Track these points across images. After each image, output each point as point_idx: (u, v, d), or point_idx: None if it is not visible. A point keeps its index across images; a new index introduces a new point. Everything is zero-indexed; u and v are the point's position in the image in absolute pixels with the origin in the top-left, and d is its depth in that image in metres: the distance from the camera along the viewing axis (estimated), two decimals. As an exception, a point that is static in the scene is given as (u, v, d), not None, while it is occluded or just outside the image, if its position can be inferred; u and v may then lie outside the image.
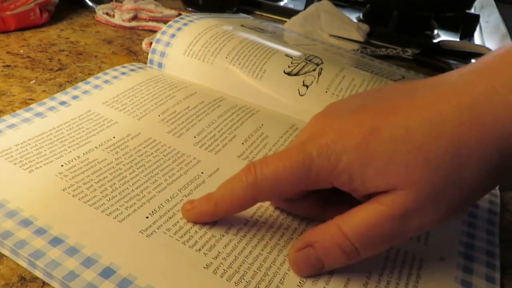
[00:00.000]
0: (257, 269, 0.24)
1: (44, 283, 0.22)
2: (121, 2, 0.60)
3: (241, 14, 0.62)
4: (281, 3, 0.74)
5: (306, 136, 0.24)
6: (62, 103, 0.36)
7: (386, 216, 0.21)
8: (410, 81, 0.24)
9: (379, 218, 0.21)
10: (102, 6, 0.59)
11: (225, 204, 0.25)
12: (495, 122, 0.20)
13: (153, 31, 0.57)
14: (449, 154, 0.21)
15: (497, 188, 0.34)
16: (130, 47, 0.51)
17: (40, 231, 0.24)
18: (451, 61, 0.57)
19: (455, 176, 0.21)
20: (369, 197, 0.22)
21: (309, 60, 0.42)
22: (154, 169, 0.30)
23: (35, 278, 0.22)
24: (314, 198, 0.27)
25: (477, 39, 0.70)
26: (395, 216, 0.21)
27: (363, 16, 0.71)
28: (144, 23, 0.57)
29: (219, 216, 0.26)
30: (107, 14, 0.59)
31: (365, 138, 0.22)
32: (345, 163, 0.22)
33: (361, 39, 0.60)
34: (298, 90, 0.39)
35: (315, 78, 0.40)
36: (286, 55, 0.42)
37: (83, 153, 0.30)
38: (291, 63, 0.41)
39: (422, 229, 0.22)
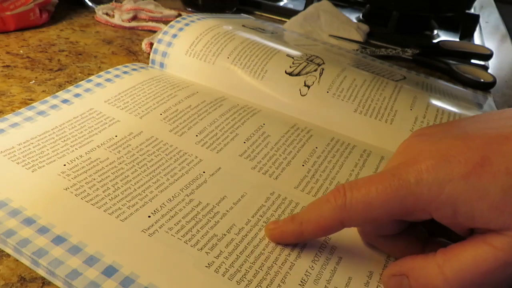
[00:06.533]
0: (259, 268, 0.24)
1: (43, 283, 0.22)
2: (121, 2, 0.60)
3: (242, 15, 0.62)
4: (281, 3, 0.74)
5: (400, 161, 0.22)
6: (65, 101, 0.36)
7: (500, 262, 0.19)
8: (505, 110, 0.22)
9: (491, 264, 0.19)
10: (101, 6, 0.59)
11: (311, 225, 0.23)
12: None
13: (153, 31, 0.57)
14: None
15: None
16: (130, 47, 0.51)
17: (43, 230, 0.24)
18: (451, 61, 0.57)
19: None
20: (470, 231, 0.20)
21: (311, 60, 0.42)
22: (156, 168, 0.30)
23: (34, 278, 0.22)
24: (412, 234, 0.24)
25: (476, 39, 0.70)
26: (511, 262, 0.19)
27: (362, 16, 0.71)
28: (144, 23, 0.58)
29: (304, 237, 0.24)
30: (106, 14, 0.59)
31: (475, 168, 0.19)
32: (450, 194, 0.19)
33: (360, 39, 0.60)
34: (300, 90, 0.39)
35: (316, 78, 0.40)
36: (288, 55, 0.43)
37: (86, 152, 0.30)
38: (293, 63, 0.41)
39: None
